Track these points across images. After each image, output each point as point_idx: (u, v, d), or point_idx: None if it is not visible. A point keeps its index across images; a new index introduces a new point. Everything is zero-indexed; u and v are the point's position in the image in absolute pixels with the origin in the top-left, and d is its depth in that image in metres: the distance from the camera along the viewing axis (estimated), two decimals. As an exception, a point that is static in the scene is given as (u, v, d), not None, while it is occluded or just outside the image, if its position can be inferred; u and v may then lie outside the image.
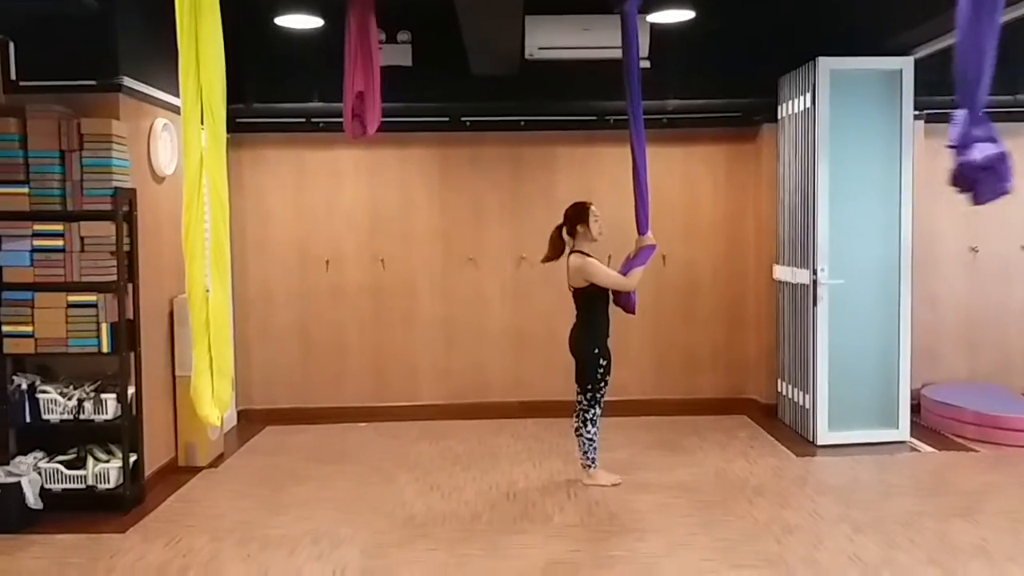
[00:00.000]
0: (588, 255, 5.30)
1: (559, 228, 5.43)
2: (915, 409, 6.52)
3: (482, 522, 4.82)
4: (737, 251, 7.34)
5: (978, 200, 3.20)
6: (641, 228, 5.34)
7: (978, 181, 3.15)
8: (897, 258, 6.18)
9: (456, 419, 7.08)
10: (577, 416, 5.43)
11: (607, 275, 5.27)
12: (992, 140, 3.10)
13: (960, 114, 3.14)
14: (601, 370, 5.28)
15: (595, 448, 5.42)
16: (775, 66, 6.68)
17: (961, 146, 3.13)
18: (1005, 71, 7.01)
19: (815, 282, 6.14)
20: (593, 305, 5.31)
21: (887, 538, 4.47)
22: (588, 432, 5.37)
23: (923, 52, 6.00)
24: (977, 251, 7.27)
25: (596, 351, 5.28)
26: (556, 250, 5.43)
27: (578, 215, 5.36)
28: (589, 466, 5.43)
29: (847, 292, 6.13)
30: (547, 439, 6.49)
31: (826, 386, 6.18)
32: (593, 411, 5.35)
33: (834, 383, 6.19)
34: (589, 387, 5.31)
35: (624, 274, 5.31)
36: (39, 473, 4.92)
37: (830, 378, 6.18)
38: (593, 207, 5.37)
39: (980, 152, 3.08)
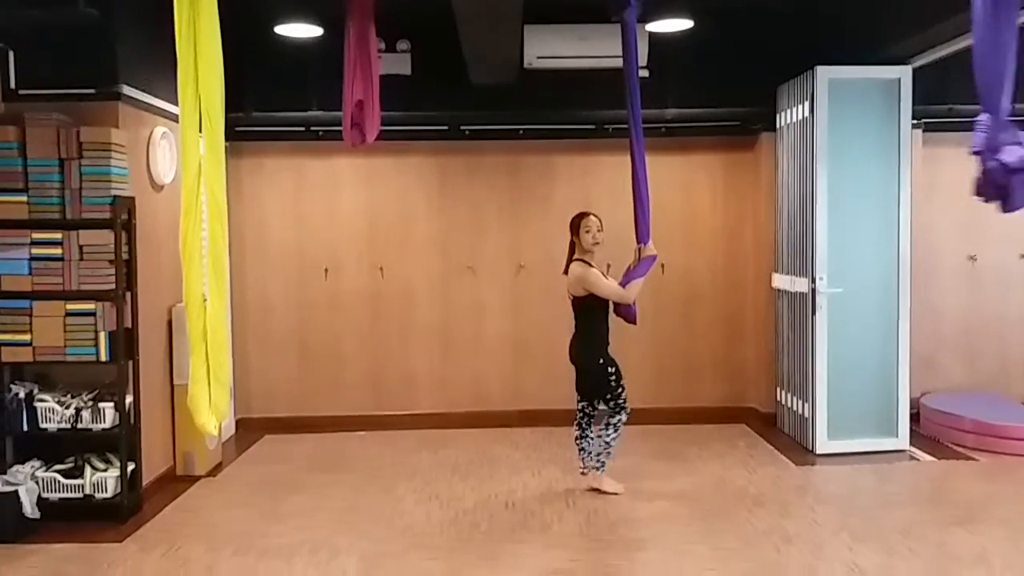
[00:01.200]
0: (589, 264, 5.29)
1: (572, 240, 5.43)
2: (914, 418, 6.51)
3: (481, 531, 4.80)
4: (736, 260, 7.35)
5: (1010, 207, 3.04)
6: (642, 238, 5.36)
7: (1009, 185, 2.99)
8: (896, 267, 6.18)
9: (455, 428, 7.07)
10: (577, 425, 5.43)
11: (606, 286, 5.27)
12: (1020, 143, 2.94)
13: (984, 119, 3.00)
14: (613, 379, 5.28)
15: (611, 455, 5.40)
16: (773, 75, 6.70)
17: (988, 151, 2.99)
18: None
19: (814, 291, 6.14)
20: (592, 315, 5.31)
21: (887, 547, 4.46)
22: (609, 436, 5.34)
23: (921, 61, 6.02)
24: (976, 260, 7.28)
25: (601, 361, 5.28)
26: (570, 262, 5.43)
27: (572, 225, 5.39)
28: (598, 468, 5.41)
29: (846, 301, 6.13)
30: (546, 448, 6.48)
31: (825, 395, 6.17)
32: (618, 418, 5.33)
33: (833, 392, 6.18)
34: (608, 397, 5.31)
35: (624, 285, 5.30)
36: (36, 482, 4.91)
37: (829, 387, 6.17)
38: (590, 218, 5.36)
39: (1011, 154, 2.93)
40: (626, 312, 5.37)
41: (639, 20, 5.68)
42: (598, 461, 5.41)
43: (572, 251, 5.40)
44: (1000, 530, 4.68)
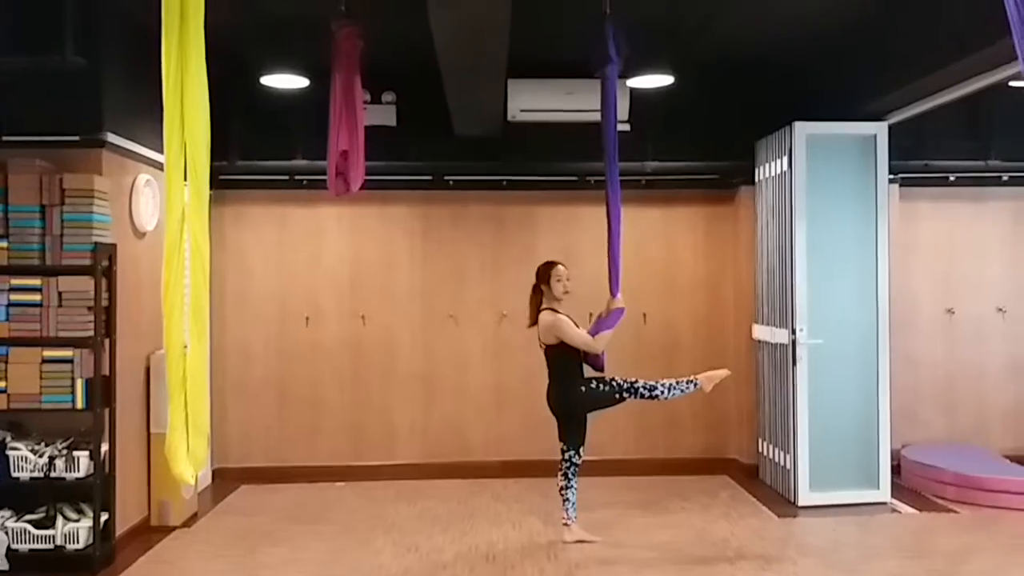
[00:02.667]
0: (558, 312, 5.31)
1: (535, 288, 5.46)
2: (895, 470, 6.51)
3: (460, 584, 4.73)
4: (716, 310, 7.39)
5: None
6: (612, 290, 5.41)
7: None
8: (875, 319, 6.23)
9: (435, 478, 7.00)
10: (563, 475, 5.39)
11: (576, 334, 5.29)
12: None
13: None
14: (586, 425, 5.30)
15: (671, 386, 5.35)
16: (752, 130, 6.82)
17: None
18: (977, 138, 7.26)
19: (794, 342, 6.18)
20: (567, 361, 5.33)
21: (870, 601, 4.43)
22: (573, 486, 5.36)
23: (897, 117, 6.15)
24: (953, 313, 7.36)
25: (582, 406, 5.30)
26: (537, 311, 5.44)
27: (542, 274, 5.42)
28: (569, 524, 5.39)
29: (826, 352, 6.17)
30: (527, 499, 6.42)
31: (807, 446, 6.17)
32: (576, 465, 5.36)
33: (815, 443, 6.18)
34: (582, 445, 5.33)
35: (593, 335, 5.31)
36: (6, 533, 4.80)
37: (811, 438, 6.18)
38: (559, 267, 5.41)
39: None
40: (594, 360, 5.40)
41: (620, 75, 5.78)
42: (569, 516, 5.40)
43: (536, 302, 5.43)
44: (982, 584, 4.67)
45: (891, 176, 6.41)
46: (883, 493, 6.24)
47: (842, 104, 6.19)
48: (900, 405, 6.73)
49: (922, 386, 7.32)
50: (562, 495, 5.41)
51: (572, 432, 5.36)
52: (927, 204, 7.27)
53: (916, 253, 7.25)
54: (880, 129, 6.20)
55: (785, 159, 6.30)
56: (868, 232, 6.25)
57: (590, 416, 5.43)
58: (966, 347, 7.38)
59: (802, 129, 6.18)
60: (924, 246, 7.29)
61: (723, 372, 5.44)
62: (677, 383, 5.34)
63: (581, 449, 5.38)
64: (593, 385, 5.30)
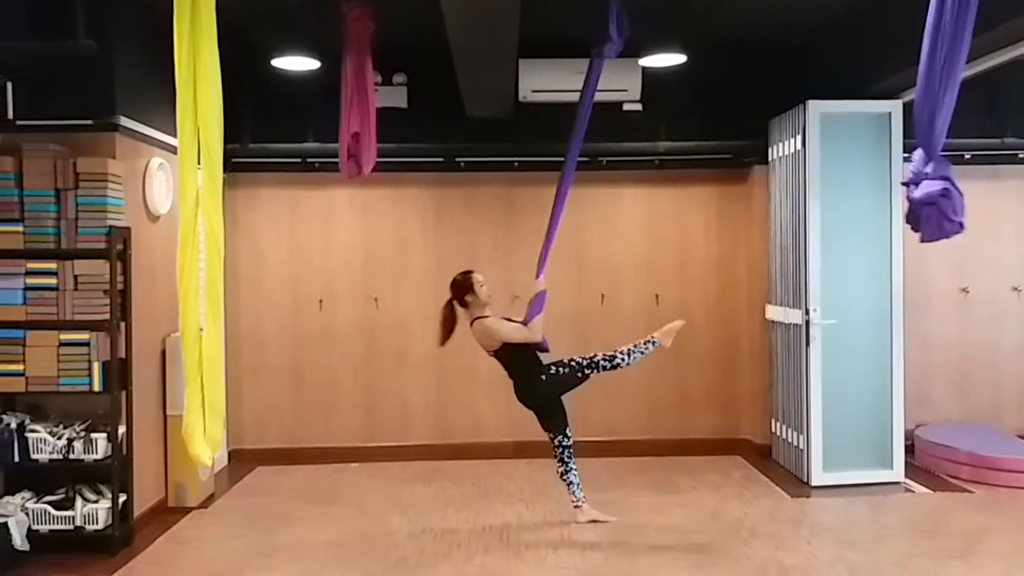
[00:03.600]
0: (486, 317, 5.30)
1: (448, 304, 5.40)
2: (909, 449, 6.51)
3: (475, 564, 4.77)
4: (729, 291, 7.37)
5: (923, 237, 3.30)
6: (537, 271, 5.43)
7: (921, 217, 3.24)
8: (889, 299, 6.21)
9: (448, 460, 7.04)
10: (559, 460, 5.41)
11: (512, 330, 5.29)
12: (943, 178, 3.19)
13: (916, 153, 3.26)
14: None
15: (631, 351, 5.38)
16: (765, 109, 6.77)
17: (911, 183, 3.24)
18: (993, 116, 7.18)
19: (807, 322, 6.16)
20: (519, 357, 5.33)
21: (883, 580, 4.44)
22: (572, 468, 5.40)
23: (911, 96, 6.05)
24: (968, 292, 7.32)
25: (551, 394, 5.34)
26: (449, 328, 5.40)
27: (463, 286, 5.35)
28: (580, 505, 5.41)
29: (840, 332, 6.15)
30: (540, 480, 6.44)
31: (820, 426, 6.17)
32: (567, 448, 5.38)
33: (828, 423, 6.18)
34: (566, 427, 5.36)
35: (525, 324, 5.32)
36: (27, 514, 4.86)
37: (824, 418, 6.17)
38: (475, 274, 5.37)
39: (922, 189, 3.18)
40: (536, 347, 5.38)
41: (633, 54, 5.76)
42: (577, 498, 5.42)
43: (449, 318, 5.39)
44: (996, 563, 4.67)
45: (905, 155, 6.33)
46: (897, 473, 6.23)
47: (856, 82, 6.14)
48: (914, 385, 6.71)
49: (936, 366, 7.30)
50: (564, 480, 5.43)
51: (551, 419, 5.38)
52: None
53: (931, 232, 7.20)
54: (895, 107, 6.15)
55: (799, 138, 6.26)
56: (882, 211, 6.21)
57: (563, 398, 5.42)
58: (981, 327, 7.34)
59: (816, 108, 6.14)
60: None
61: (678, 323, 5.48)
62: (635, 346, 5.38)
63: (567, 430, 5.39)
64: (553, 371, 5.31)
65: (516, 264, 7.24)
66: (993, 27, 4.52)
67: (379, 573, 4.64)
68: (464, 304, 5.35)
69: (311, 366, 7.25)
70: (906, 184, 3.29)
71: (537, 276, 5.44)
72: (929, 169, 3.20)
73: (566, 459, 5.39)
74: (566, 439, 5.39)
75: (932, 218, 3.24)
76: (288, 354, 7.23)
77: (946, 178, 3.20)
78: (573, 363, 5.31)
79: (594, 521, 5.37)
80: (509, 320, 5.41)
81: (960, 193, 3.25)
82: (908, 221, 3.36)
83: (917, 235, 3.39)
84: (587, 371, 5.32)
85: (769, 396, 6.94)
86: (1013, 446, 6.57)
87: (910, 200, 3.27)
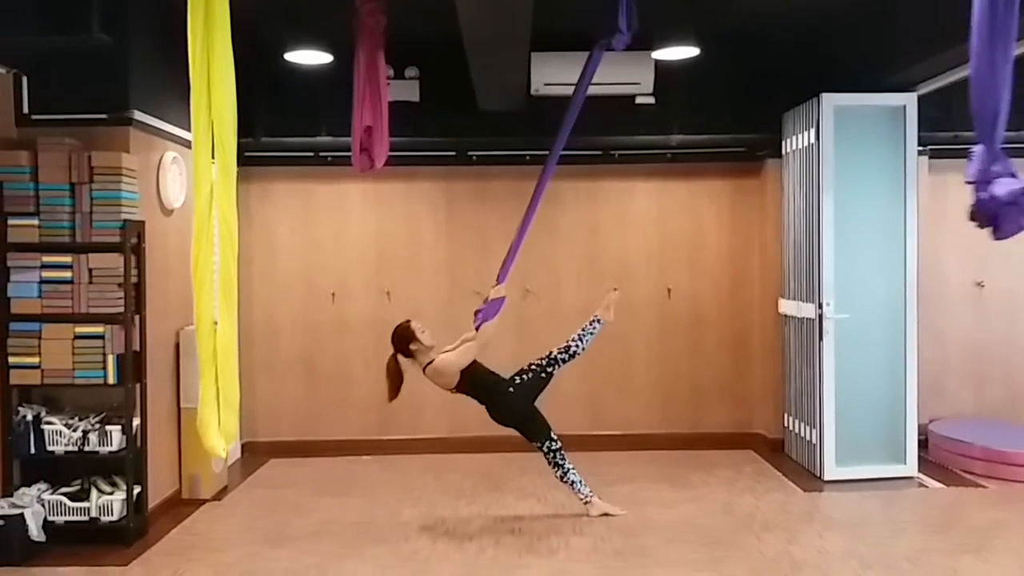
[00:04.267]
0: (433, 359, 5.29)
1: (392, 358, 5.38)
2: (922, 444, 6.48)
3: (487, 557, 4.78)
4: (742, 285, 7.35)
5: (1001, 235, 3.19)
6: (499, 275, 5.45)
7: (1000, 216, 3.13)
8: (903, 293, 6.18)
9: (461, 452, 7.05)
10: (554, 465, 5.39)
11: (464, 355, 5.27)
12: (1012, 175, 3.11)
13: (978, 149, 3.13)
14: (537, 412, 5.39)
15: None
16: (779, 102, 6.74)
17: (981, 181, 3.12)
18: (1012, 106, 7.09)
19: (821, 316, 6.14)
20: (480, 379, 5.35)
21: (895, 574, 4.43)
22: (569, 467, 5.39)
23: (926, 88, 6.05)
24: (983, 286, 7.27)
25: (523, 405, 5.38)
26: (397, 381, 5.40)
27: (404, 336, 5.32)
28: (589, 501, 5.42)
29: (853, 327, 6.12)
30: (552, 474, 6.43)
31: (833, 421, 6.15)
32: (557, 451, 5.38)
33: (841, 418, 6.16)
34: (549, 431, 5.37)
35: (477, 328, 5.34)
36: (43, 505, 4.90)
37: (837, 413, 6.15)
38: (412, 322, 5.36)
39: (1002, 187, 3.07)
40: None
41: (645, 47, 5.73)
42: (584, 494, 5.41)
43: (395, 373, 5.38)
44: (1010, 558, 4.65)
45: (920, 148, 6.31)
46: (910, 468, 6.21)
47: (870, 75, 6.10)
48: (928, 379, 6.68)
49: (950, 360, 7.26)
50: (565, 481, 5.41)
51: (533, 429, 5.38)
52: (957, 176, 7.00)
53: (945, 226, 7.15)
54: (909, 100, 6.11)
55: (812, 131, 6.22)
56: (896, 205, 6.17)
57: (537, 404, 5.42)
58: (996, 321, 7.30)
59: (830, 100, 6.10)
60: (953, 219, 7.17)
61: (614, 295, 5.59)
62: (584, 330, 5.50)
63: (552, 434, 5.38)
64: (518, 380, 5.35)
65: (527, 257, 7.21)
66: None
67: (391, 565, 4.66)
68: (409, 354, 5.32)
69: (324, 359, 7.27)
70: (974, 183, 3.16)
71: (499, 280, 5.43)
72: (999, 167, 3.13)
73: (559, 462, 5.38)
74: (553, 443, 5.37)
75: (1011, 215, 3.17)
76: (301, 347, 7.26)
77: (1014, 174, 3.15)
78: (534, 367, 5.39)
79: (605, 515, 5.38)
80: (451, 349, 5.38)
81: None
82: (974, 219, 3.23)
83: (944, 229, 3.32)
84: (548, 369, 5.40)
85: (782, 390, 6.92)
86: (1028, 441, 6.54)
87: (983, 199, 3.17)
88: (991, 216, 3.14)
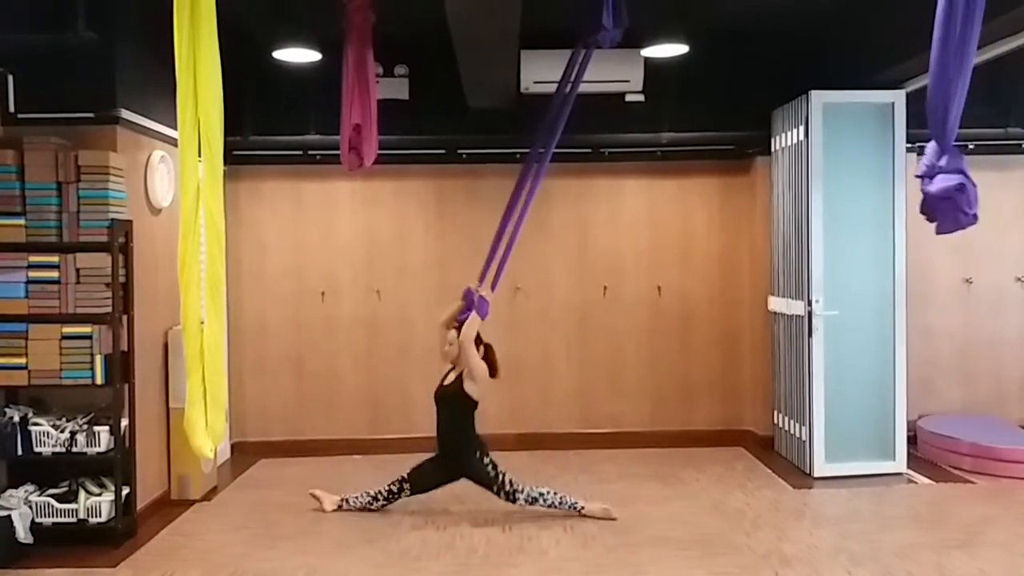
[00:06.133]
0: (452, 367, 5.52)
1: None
2: (911, 440, 6.51)
3: (478, 555, 4.78)
4: (732, 282, 7.37)
5: (939, 229, 3.34)
6: (493, 282, 5.51)
7: (937, 211, 3.28)
8: (891, 289, 6.20)
9: (451, 451, 7.03)
10: (525, 499, 5.34)
11: (468, 338, 5.36)
12: (958, 171, 3.20)
13: (929, 145, 3.25)
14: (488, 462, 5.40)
15: (561, 495, 5.39)
16: (768, 99, 6.75)
17: (926, 176, 3.25)
18: (996, 105, 7.14)
19: (810, 313, 6.15)
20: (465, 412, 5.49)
21: (885, 570, 4.44)
22: (546, 497, 5.36)
23: (914, 85, 6.07)
24: (971, 283, 7.30)
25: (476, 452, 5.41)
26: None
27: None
28: (581, 509, 5.39)
29: (842, 323, 6.14)
30: (544, 472, 6.45)
31: (823, 418, 6.17)
32: (518, 485, 5.35)
33: (831, 415, 6.18)
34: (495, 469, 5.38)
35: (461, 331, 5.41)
36: (30, 507, 4.87)
37: (827, 410, 6.17)
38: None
39: (938, 183, 3.20)
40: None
41: (635, 45, 5.73)
42: (574, 508, 5.37)
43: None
44: (999, 553, 4.67)
45: (909, 145, 6.33)
46: (899, 464, 6.23)
47: (859, 72, 6.11)
48: (916, 376, 6.71)
49: (939, 356, 7.29)
50: (552, 507, 5.36)
51: (481, 473, 5.38)
52: None
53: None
54: (897, 97, 6.13)
55: (801, 128, 6.24)
56: (885, 202, 6.19)
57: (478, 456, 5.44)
58: (984, 317, 7.33)
59: (819, 98, 6.12)
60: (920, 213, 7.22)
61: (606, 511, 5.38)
62: (559, 498, 5.40)
63: (496, 468, 5.37)
64: (486, 460, 5.40)
65: (518, 255, 7.20)
66: (997, 15, 4.49)
67: (382, 564, 4.65)
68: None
69: (314, 358, 7.25)
70: (920, 177, 3.29)
71: (493, 287, 5.48)
72: (943, 162, 3.20)
73: (526, 492, 5.34)
74: (503, 476, 5.36)
75: (948, 212, 3.27)
76: (290, 346, 7.24)
77: (960, 171, 3.20)
78: (499, 474, 5.37)
79: (606, 510, 5.36)
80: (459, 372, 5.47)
81: (974, 185, 3.25)
82: (923, 213, 3.37)
83: (932, 227, 3.43)
84: (497, 484, 5.34)
85: (772, 387, 6.93)
86: (1016, 437, 6.56)
87: (925, 194, 3.27)
88: (931, 211, 3.30)
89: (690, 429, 7.30)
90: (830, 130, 6.13)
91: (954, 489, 5.93)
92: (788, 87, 6.40)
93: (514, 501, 5.32)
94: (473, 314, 5.38)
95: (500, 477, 5.33)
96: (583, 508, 5.38)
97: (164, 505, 5.67)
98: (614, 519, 5.33)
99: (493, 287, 5.47)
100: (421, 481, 5.51)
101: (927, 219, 3.37)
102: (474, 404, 5.43)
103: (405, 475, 5.54)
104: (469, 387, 5.38)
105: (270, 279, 7.22)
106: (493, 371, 5.42)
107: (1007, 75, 6.76)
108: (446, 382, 5.52)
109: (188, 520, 5.48)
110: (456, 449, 5.44)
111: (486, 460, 5.37)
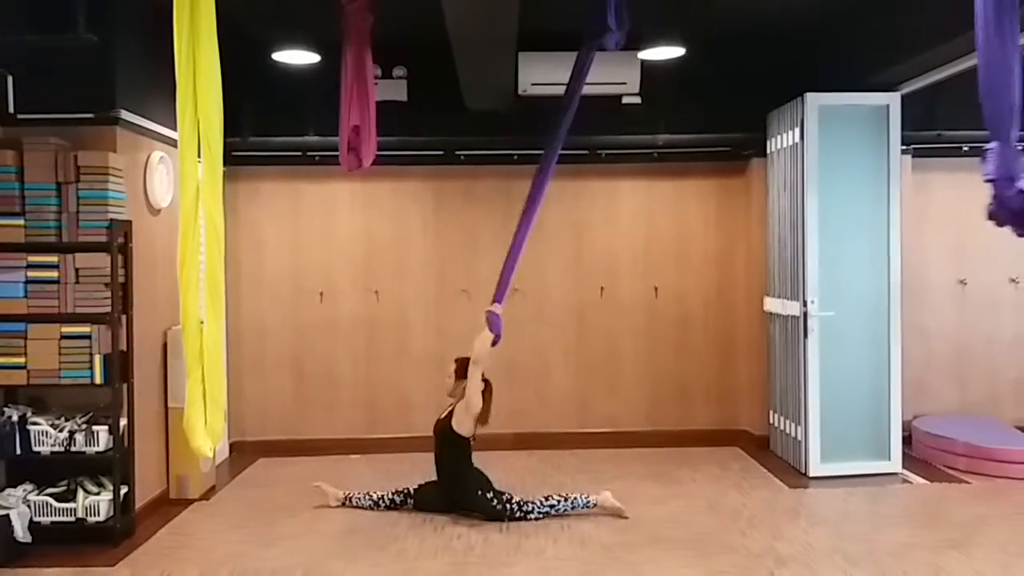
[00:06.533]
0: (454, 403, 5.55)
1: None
2: (906, 440, 6.54)
3: (475, 555, 4.80)
4: (728, 283, 7.39)
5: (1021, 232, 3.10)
6: (499, 295, 5.50)
7: None
8: (886, 290, 6.23)
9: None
10: (537, 514, 5.35)
11: (473, 386, 5.41)
12: None
13: (994, 146, 3.02)
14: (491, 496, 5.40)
15: (572, 500, 5.41)
16: (764, 102, 6.78)
17: (1003, 179, 3.02)
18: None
19: (805, 314, 6.18)
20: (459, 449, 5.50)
21: (880, 570, 4.47)
22: (556, 508, 5.38)
23: (909, 88, 6.10)
24: (966, 284, 7.34)
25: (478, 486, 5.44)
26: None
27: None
28: (594, 505, 5.43)
29: (837, 324, 6.17)
30: (540, 471, 6.48)
31: (818, 418, 6.20)
32: (527, 507, 5.37)
33: (826, 415, 6.21)
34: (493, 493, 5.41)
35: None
36: (28, 506, 4.88)
37: (822, 410, 6.20)
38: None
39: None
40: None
41: (631, 47, 5.75)
42: (587, 506, 5.41)
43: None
44: (994, 553, 4.70)
45: (904, 147, 6.37)
46: (894, 464, 6.26)
47: (854, 74, 6.15)
48: (911, 376, 6.74)
49: (934, 357, 7.32)
50: (566, 513, 5.39)
51: (485, 509, 5.38)
52: (940, 175, 7.22)
53: (928, 224, 7.23)
54: (892, 99, 6.16)
55: (797, 130, 6.27)
56: (880, 203, 6.22)
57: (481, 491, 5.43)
58: (978, 318, 7.37)
59: (814, 100, 6.15)
60: (936, 217, 7.26)
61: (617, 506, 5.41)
62: (572, 499, 5.43)
63: (500, 499, 5.37)
64: (490, 495, 5.39)
65: (516, 257, 7.25)
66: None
67: (380, 563, 4.68)
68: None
69: (312, 358, 7.27)
70: (993, 180, 3.04)
71: (499, 300, 5.47)
72: (1016, 161, 3.02)
73: (531, 505, 5.36)
74: (502, 498, 5.38)
75: None
76: (289, 346, 7.26)
77: None
78: (508, 501, 5.38)
79: (616, 507, 5.39)
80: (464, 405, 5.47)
81: None
82: (996, 217, 3.14)
83: (927, 228, 3.24)
84: (509, 509, 5.35)
85: (767, 388, 6.96)
86: (1010, 437, 6.60)
87: (1007, 196, 3.02)
88: (1015, 212, 3.05)
89: (686, 429, 7.32)
90: (825, 132, 6.16)
91: (949, 489, 5.96)
92: (784, 89, 6.44)
93: (526, 520, 5.34)
94: (485, 332, 5.37)
95: (506, 507, 5.33)
96: (595, 503, 5.41)
97: (163, 504, 5.68)
98: (626, 518, 5.36)
99: (501, 300, 5.45)
100: (424, 501, 5.56)
101: (1001, 223, 3.13)
102: (466, 442, 5.45)
103: (412, 489, 5.59)
104: (458, 422, 5.40)
105: (269, 279, 7.24)
106: (484, 415, 5.43)
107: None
108: (442, 416, 5.55)
109: (187, 519, 5.50)
110: (456, 487, 5.48)
111: (489, 495, 5.37)
